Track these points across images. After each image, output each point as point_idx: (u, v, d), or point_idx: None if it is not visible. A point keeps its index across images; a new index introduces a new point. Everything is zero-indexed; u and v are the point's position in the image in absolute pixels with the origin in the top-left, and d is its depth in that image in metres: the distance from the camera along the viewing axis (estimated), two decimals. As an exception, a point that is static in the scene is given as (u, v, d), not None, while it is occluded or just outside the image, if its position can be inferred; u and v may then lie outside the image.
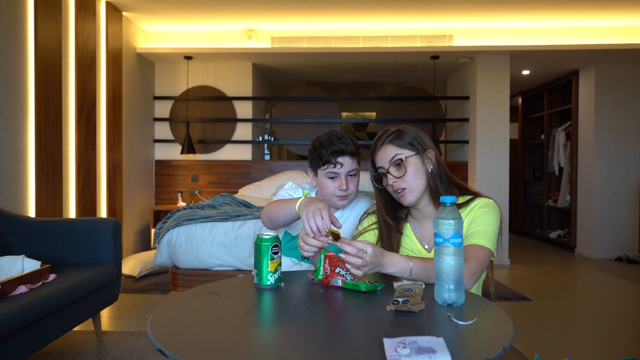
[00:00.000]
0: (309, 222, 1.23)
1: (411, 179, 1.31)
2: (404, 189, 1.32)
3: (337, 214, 1.63)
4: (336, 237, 1.16)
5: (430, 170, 1.34)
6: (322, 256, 1.20)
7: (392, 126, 1.39)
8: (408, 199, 1.32)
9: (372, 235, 1.44)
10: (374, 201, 1.49)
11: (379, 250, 1.12)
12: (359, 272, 1.10)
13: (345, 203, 1.57)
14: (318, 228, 1.21)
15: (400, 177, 1.31)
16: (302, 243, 1.22)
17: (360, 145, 1.69)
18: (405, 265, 1.15)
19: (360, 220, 1.50)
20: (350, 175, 1.55)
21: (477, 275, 1.20)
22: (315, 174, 1.60)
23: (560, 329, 2.78)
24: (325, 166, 1.53)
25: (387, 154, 1.34)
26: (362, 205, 1.64)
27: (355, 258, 1.08)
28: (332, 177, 1.54)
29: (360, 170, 1.62)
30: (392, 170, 1.32)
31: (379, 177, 1.37)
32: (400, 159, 1.31)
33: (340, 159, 1.52)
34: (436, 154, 1.36)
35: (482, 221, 1.27)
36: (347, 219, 1.63)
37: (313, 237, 1.21)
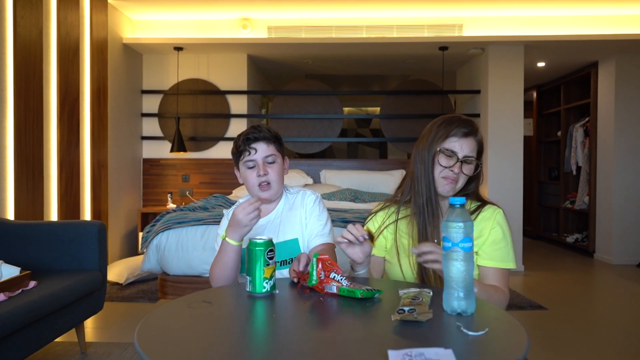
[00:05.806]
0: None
1: (464, 180, 1.37)
2: (455, 182, 1.36)
3: (282, 211, 1.61)
4: (370, 236, 1.26)
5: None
6: (314, 259, 1.18)
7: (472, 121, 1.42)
8: (450, 192, 1.37)
9: (383, 240, 1.46)
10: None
11: None
12: (439, 267, 1.15)
13: (268, 194, 1.57)
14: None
15: (464, 173, 1.35)
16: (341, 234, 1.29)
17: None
18: None
19: (365, 223, 1.50)
20: (268, 163, 1.57)
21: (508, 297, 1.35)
22: (239, 169, 1.63)
23: (578, 339, 2.78)
24: (242, 156, 1.58)
25: (471, 147, 1.37)
26: (310, 198, 1.63)
27: (434, 255, 1.17)
28: (251, 167, 1.57)
29: (285, 160, 1.63)
30: (466, 164, 1.36)
31: (450, 155, 1.36)
32: (478, 164, 1.38)
33: (253, 145, 1.56)
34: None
35: (503, 244, 1.36)
36: (294, 215, 1.61)
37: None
